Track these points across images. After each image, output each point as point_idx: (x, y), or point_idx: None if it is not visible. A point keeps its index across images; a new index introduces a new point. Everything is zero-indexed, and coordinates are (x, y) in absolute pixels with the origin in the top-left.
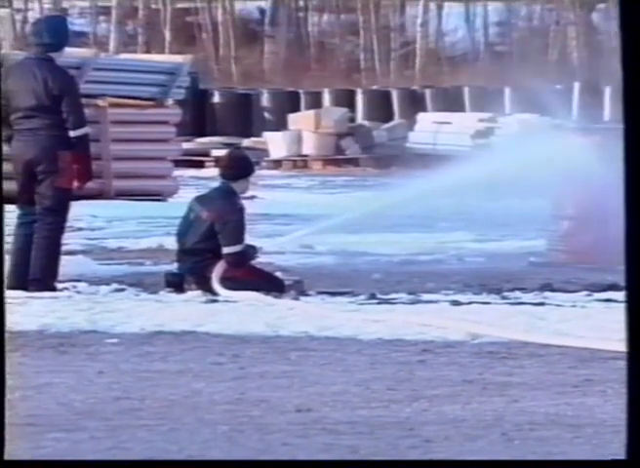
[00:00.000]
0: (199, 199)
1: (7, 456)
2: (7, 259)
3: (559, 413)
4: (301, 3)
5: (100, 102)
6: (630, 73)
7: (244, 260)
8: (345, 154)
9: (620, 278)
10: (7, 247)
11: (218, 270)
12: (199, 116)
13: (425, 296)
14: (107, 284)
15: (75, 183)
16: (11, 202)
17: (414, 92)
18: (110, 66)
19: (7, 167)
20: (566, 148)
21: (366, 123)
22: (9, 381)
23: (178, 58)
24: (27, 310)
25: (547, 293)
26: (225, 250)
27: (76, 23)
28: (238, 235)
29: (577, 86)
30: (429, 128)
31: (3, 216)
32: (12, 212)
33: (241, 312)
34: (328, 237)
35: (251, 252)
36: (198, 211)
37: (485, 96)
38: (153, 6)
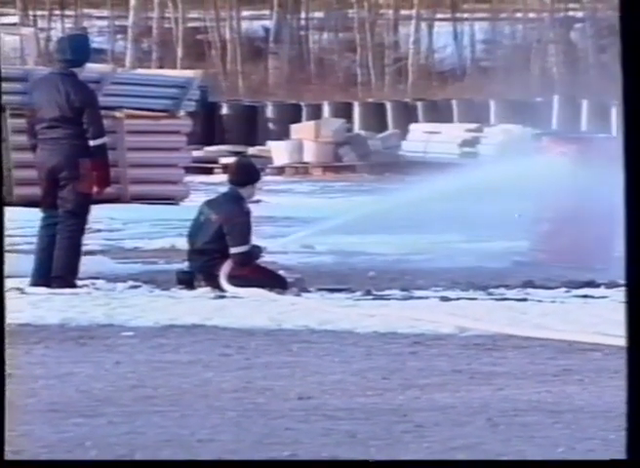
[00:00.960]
0: (209, 203)
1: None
2: (31, 259)
3: (540, 400)
4: (303, 22)
5: (117, 114)
6: (630, 75)
7: (250, 259)
8: (343, 161)
9: (596, 276)
10: (25, 247)
11: (225, 268)
12: (208, 126)
13: (417, 293)
14: (124, 281)
15: (95, 188)
16: (35, 205)
17: (406, 104)
18: (127, 81)
19: (31, 173)
20: (546, 157)
21: (362, 133)
22: (34, 371)
23: (189, 73)
24: (50, 305)
25: (529, 290)
26: (233, 250)
27: (95, 41)
28: (245, 236)
29: (556, 99)
30: (420, 137)
31: (3, 217)
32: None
33: (247, 307)
34: (327, 238)
35: (256, 251)
36: (208, 214)
37: (472, 107)
38: (166, 25)
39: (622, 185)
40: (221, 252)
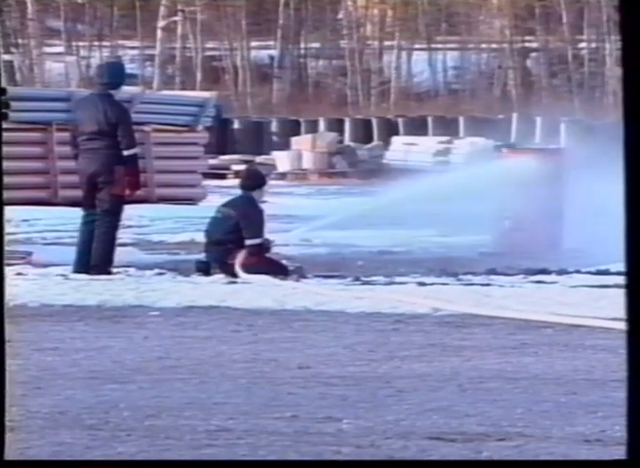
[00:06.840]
0: (227, 204)
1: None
2: (73, 250)
3: (502, 369)
4: (302, 51)
5: (145, 128)
6: (630, 74)
7: (262, 250)
8: (336, 168)
9: (548, 265)
10: (68, 240)
11: (239, 258)
12: (222, 139)
13: (398, 279)
14: (151, 269)
15: (127, 191)
16: (77, 205)
17: (389, 120)
18: (154, 100)
19: (73, 178)
20: (506, 164)
21: (352, 144)
22: (76, 344)
23: (206, 94)
24: (89, 289)
25: (492, 276)
26: (249, 241)
27: (128, 67)
28: (259, 230)
29: (514, 116)
30: (401, 148)
31: (3, 217)
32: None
33: (255, 291)
34: (322, 233)
35: (268, 243)
36: (226, 211)
37: (444, 123)
38: (187, 54)
39: (623, 185)
40: (234, 243)
